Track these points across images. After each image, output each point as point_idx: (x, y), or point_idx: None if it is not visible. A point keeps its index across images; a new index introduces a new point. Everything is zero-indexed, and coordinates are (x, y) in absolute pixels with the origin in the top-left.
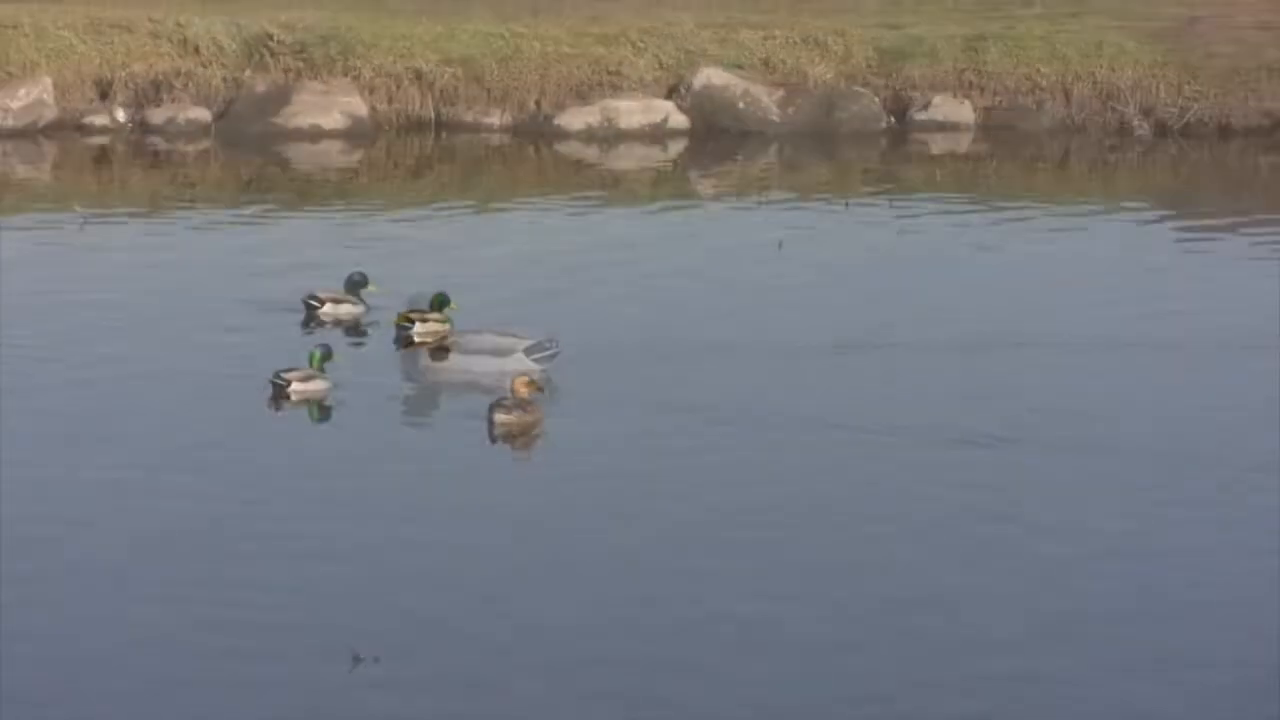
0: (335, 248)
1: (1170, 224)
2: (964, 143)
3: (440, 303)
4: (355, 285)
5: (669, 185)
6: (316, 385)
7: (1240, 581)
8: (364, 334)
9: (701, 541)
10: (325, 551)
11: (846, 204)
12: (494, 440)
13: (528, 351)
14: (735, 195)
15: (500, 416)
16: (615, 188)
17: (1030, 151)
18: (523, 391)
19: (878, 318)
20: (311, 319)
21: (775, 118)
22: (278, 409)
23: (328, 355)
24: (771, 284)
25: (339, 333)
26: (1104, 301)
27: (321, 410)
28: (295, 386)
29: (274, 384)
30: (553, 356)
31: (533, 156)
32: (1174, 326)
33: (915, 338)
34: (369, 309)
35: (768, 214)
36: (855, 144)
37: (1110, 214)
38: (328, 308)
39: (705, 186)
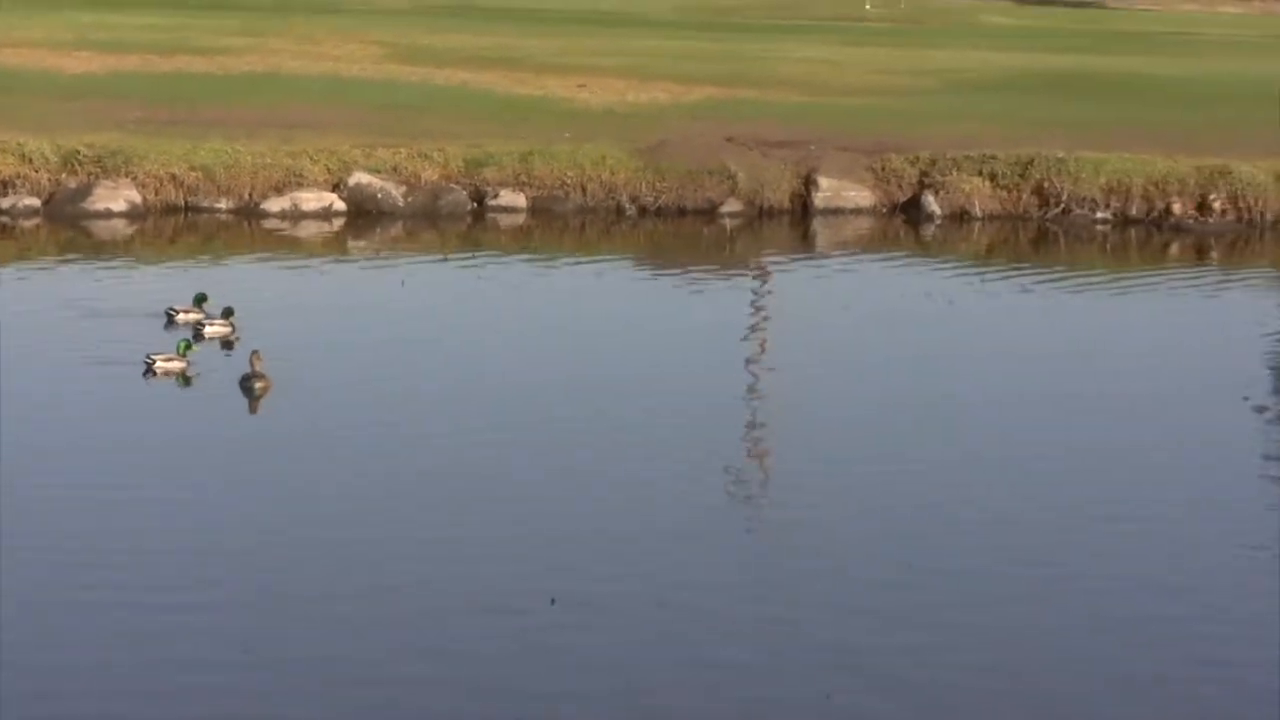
0: (129, 286)
1: (647, 272)
2: (520, 220)
3: (200, 299)
4: (199, 301)
5: (333, 248)
6: (175, 364)
7: None
8: (201, 336)
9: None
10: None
11: (445, 258)
12: (253, 396)
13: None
14: (375, 254)
15: (257, 384)
16: (297, 250)
17: (560, 225)
18: (257, 364)
19: (447, 321)
20: (171, 323)
21: (401, 204)
22: (147, 378)
23: (190, 344)
24: (397, 306)
25: (188, 331)
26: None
27: (181, 381)
28: (159, 365)
29: (145, 362)
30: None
31: (247, 230)
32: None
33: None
34: (208, 316)
35: (396, 264)
36: (451, 221)
37: (610, 265)
38: (182, 316)
39: (356, 249)
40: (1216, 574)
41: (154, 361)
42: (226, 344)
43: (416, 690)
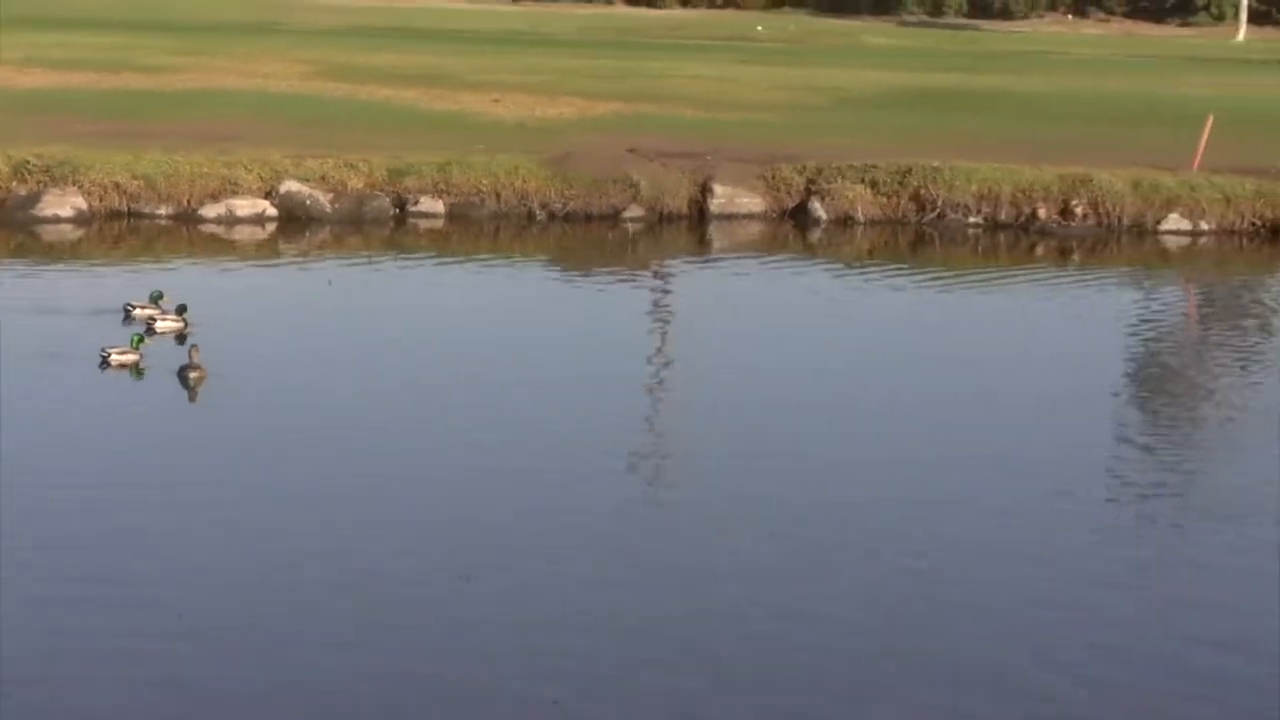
0: (80, 286)
1: (556, 273)
2: (439, 225)
3: (156, 296)
4: (155, 298)
5: (265, 250)
6: (129, 357)
7: None
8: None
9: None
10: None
11: (369, 259)
12: (188, 386)
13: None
14: (303, 256)
15: (192, 374)
16: (233, 252)
17: (476, 229)
18: (195, 356)
19: (370, 318)
20: (129, 319)
21: (328, 210)
22: (103, 370)
23: (142, 338)
24: (322, 302)
25: (143, 326)
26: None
27: (134, 373)
28: (113, 358)
29: (101, 355)
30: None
31: (185, 234)
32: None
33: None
34: (163, 312)
35: (323, 264)
36: (375, 226)
37: (522, 266)
38: (137, 311)
39: (287, 251)
40: (1061, 547)
41: (109, 354)
42: (180, 338)
43: (333, 657)
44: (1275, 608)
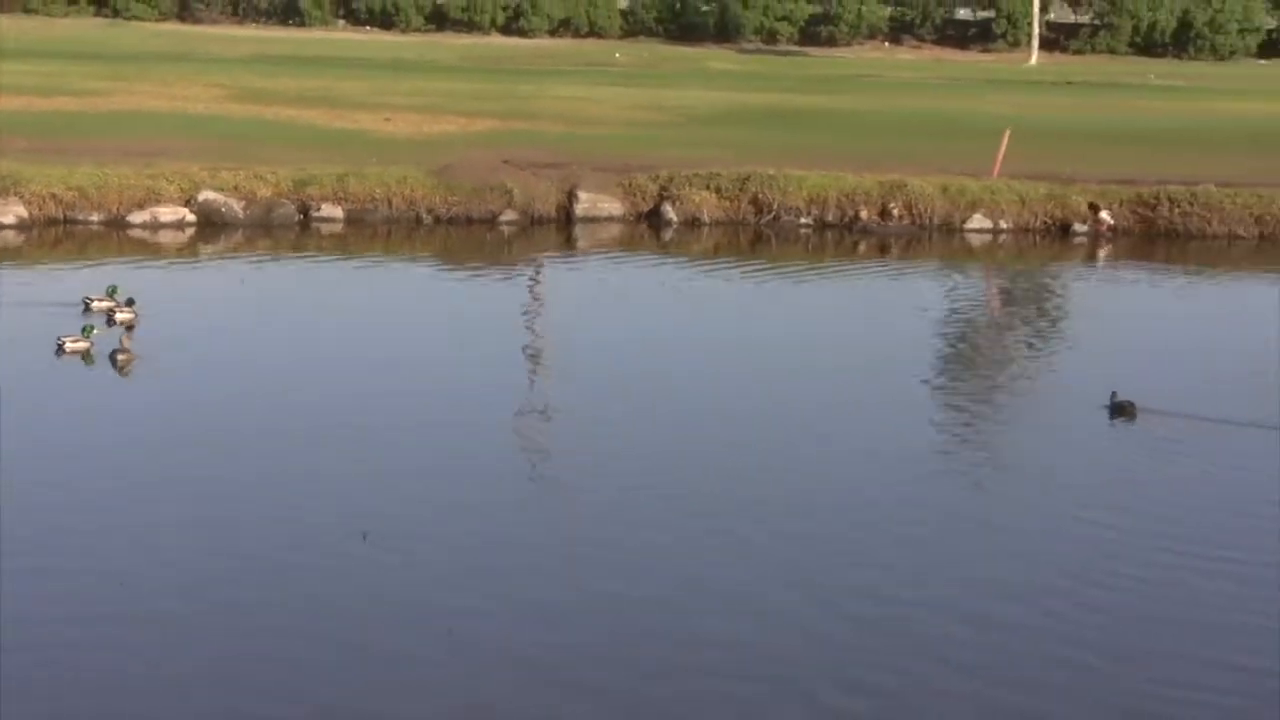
0: (30, 281)
1: (441, 269)
2: (339, 228)
3: (111, 290)
4: (110, 292)
5: (186, 252)
6: (81, 344)
7: None
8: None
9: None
10: None
11: (276, 259)
12: (116, 366)
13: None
14: (220, 256)
15: (120, 357)
16: (158, 253)
17: (370, 232)
18: (126, 341)
19: (279, 310)
20: (88, 309)
21: (241, 216)
22: (59, 357)
23: (91, 329)
24: (236, 295)
25: (101, 318)
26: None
27: (86, 359)
28: (68, 346)
29: (57, 343)
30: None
31: (115, 238)
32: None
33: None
34: (119, 304)
35: (236, 264)
36: (282, 230)
37: (411, 264)
38: (96, 304)
39: (205, 252)
40: (869, 499)
41: (64, 343)
42: (129, 327)
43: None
44: (1056, 559)
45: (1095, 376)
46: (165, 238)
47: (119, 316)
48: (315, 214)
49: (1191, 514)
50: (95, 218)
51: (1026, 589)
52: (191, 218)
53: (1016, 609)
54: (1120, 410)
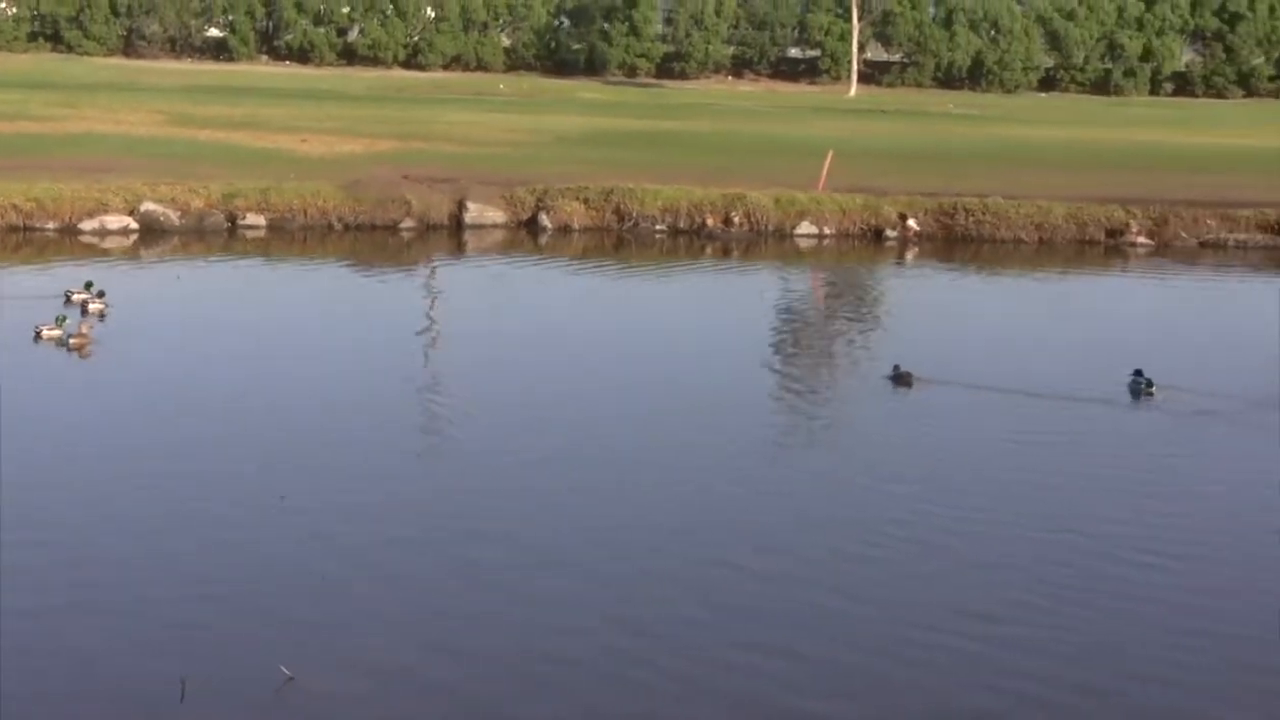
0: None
1: (350, 269)
2: (262, 234)
3: (89, 285)
4: (88, 286)
5: (130, 255)
6: (55, 332)
7: None
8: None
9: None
10: None
11: (208, 261)
12: (71, 350)
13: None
14: (159, 258)
15: (72, 340)
16: (106, 256)
17: (289, 238)
18: (84, 328)
19: (209, 304)
20: (69, 301)
21: (177, 224)
22: (36, 342)
23: (63, 318)
24: (173, 291)
25: (77, 310)
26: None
27: (58, 345)
28: (44, 333)
29: (35, 331)
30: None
31: (68, 243)
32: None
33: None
34: (94, 296)
35: (174, 264)
36: (212, 236)
37: (324, 265)
38: (75, 296)
39: (146, 255)
40: (703, 465)
41: (40, 331)
42: (101, 316)
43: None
44: (821, 510)
45: (895, 354)
46: (112, 243)
47: (91, 307)
48: (241, 222)
49: (946, 469)
50: (51, 225)
51: (789, 543)
52: (135, 225)
53: (778, 560)
54: (901, 380)
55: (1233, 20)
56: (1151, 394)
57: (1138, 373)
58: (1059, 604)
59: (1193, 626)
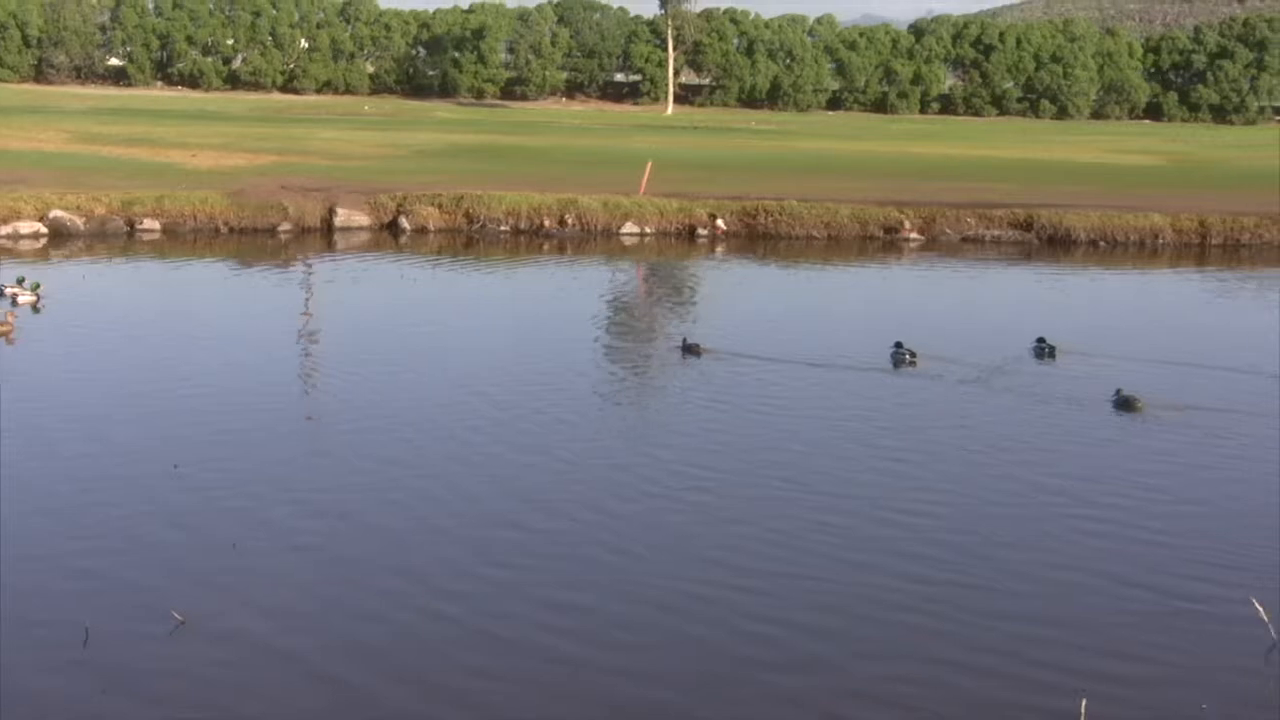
0: None
1: (235, 267)
2: (157, 237)
3: (30, 283)
4: (20, 280)
5: (41, 256)
6: None
7: None
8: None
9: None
10: None
11: (110, 261)
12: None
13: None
14: (67, 259)
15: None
16: (20, 257)
17: (181, 241)
18: (10, 318)
19: (109, 301)
20: (2, 295)
21: (82, 229)
22: None
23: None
24: (79, 286)
25: (9, 302)
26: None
27: None
28: None
29: None
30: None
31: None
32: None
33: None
34: (24, 289)
35: (80, 264)
36: (114, 239)
37: (211, 264)
38: (9, 290)
39: (55, 256)
40: (539, 444)
41: None
42: (35, 309)
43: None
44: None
45: (699, 332)
46: (24, 245)
47: (20, 299)
48: (139, 226)
49: (715, 427)
50: (6, 231)
51: (559, 502)
52: (45, 230)
53: (548, 520)
54: (689, 350)
55: (987, 50)
56: (914, 364)
57: (898, 345)
58: (794, 554)
59: (916, 573)
